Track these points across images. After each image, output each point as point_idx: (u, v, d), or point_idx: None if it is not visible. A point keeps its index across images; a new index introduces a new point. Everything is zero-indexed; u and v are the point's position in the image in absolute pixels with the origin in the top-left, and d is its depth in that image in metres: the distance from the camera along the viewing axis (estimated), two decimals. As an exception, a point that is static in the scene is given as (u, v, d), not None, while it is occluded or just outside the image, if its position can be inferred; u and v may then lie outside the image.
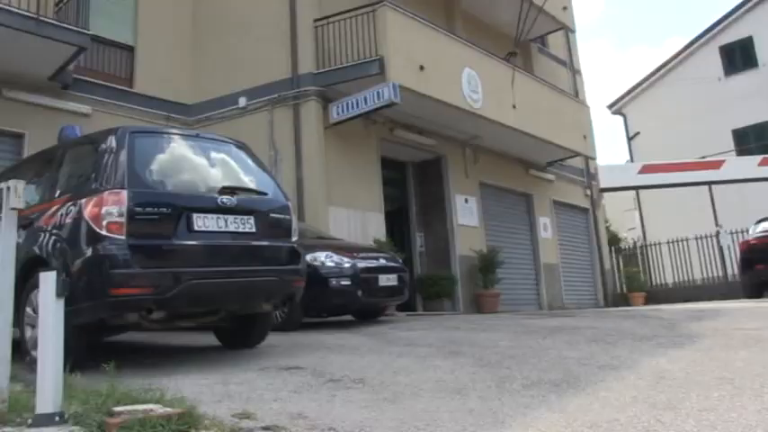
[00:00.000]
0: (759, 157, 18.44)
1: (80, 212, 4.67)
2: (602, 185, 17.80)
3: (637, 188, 21.95)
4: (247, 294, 5.22)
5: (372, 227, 11.76)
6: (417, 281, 13.06)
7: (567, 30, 19.04)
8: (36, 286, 4.02)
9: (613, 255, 19.95)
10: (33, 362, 3.55)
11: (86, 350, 4.80)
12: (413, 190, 14.16)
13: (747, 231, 14.47)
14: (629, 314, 8.56)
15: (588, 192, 19.41)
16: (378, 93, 10.73)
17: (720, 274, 18.14)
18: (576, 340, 5.72)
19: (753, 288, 12.70)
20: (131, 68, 12.09)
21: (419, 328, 7.30)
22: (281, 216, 5.52)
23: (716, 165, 17.73)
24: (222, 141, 5.79)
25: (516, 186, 16.29)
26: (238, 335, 6.01)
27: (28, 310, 4.83)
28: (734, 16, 24.79)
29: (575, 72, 20.36)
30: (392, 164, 13.52)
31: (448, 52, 12.57)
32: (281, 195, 5.72)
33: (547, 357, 4.85)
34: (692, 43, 25.74)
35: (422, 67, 11.49)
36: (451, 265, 13.51)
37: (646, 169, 17.73)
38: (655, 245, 19.88)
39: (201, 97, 12.47)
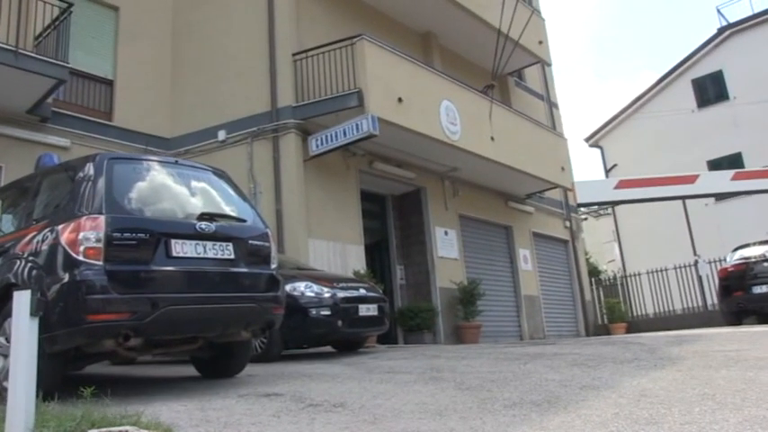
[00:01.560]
0: (732, 172, 18.69)
1: (57, 238, 4.64)
2: (580, 200, 18.07)
3: (613, 203, 22.16)
4: (226, 321, 5.16)
5: (352, 259, 11.72)
6: (398, 313, 13.04)
7: (544, 63, 19.32)
8: (10, 315, 3.90)
9: (594, 286, 20.08)
10: (4, 390, 3.48)
11: (61, 380, 4.70)
12: (393, 222, 14.21)
13: (725, 260, 14.56)
14: (610, 341, 8.59)
15: (567, 223, 19.56)
16: (356, 125, 10.78)
17: (700, 303, 18.24)
18: (558, 365, 5.74)
19: (732, 315, 12.78)
20: (111, 102, 12.13)
21: (399, 357, 7.27)
22: (260, 243, 5.51)
23: (691, 179, 17.87)
24: (201, 168, 5.81)
25: (496, 218, 16.38)
26: (217, 364, 5.94)
27: (1, 339, 4.72)
28: (704, 50, 25.33)
29: (552, 105, 20.67)
30: (372, 196, 13.61)
31: (426, 85, 12.68)
32: (261, 222, 5.72)
33: (528, 380, 4.85)
34: (665, 77, 26.24)
35: (400, 100, 11.60)
36: (432, 297, 13.50)
37: (622, 184, 17.83)
38: (635, 276, 19.96)
39: (181, 131, 12.54)
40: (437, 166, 14.07)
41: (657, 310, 19.08)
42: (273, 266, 5.56)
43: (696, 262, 18.58)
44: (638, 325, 18.02)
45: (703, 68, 25.15)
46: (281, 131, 11.38)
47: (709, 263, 18.15)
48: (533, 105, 19.49)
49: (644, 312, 19.57)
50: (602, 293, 20.08)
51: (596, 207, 29.15)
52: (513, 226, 16.88)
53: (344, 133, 10.91)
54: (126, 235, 4.65)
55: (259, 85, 11.79)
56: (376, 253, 13.61)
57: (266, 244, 5.56)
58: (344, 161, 12.09)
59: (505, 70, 16.27)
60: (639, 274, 19.70)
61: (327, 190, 11.72)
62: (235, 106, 11.97)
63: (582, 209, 23.25)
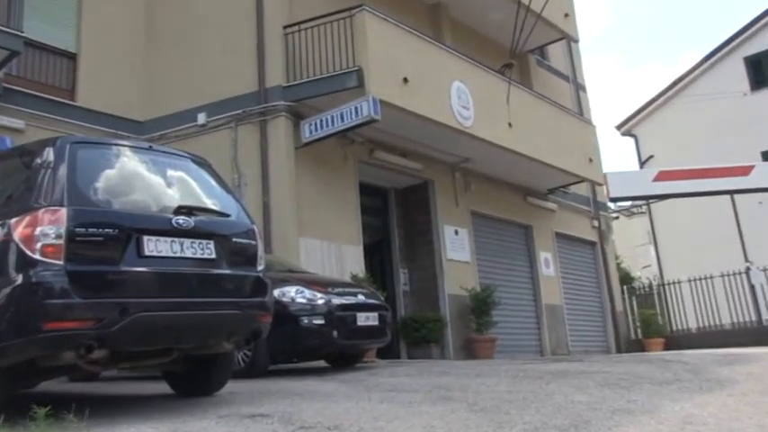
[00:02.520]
0: (793, 163, 18.49)
1: (9, 234, 4.55)
2: (612, 194, 18.09)
3: (651, 198, 21.81)
4: (206, 330, 5.14)
5: (350, 261, 11.78)
6: (401, 323, 13.09)
7: (570, 39, 19.39)
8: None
9: (626, 295, 20.06)
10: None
11: (11, 399, 4.66)
12: (396, 220, 14.27)
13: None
14: (646, 359, 8.56)
15: (595, 223, 19.58)
16: (356, 108, 10.81)
17: (752, 317, 18.01)
18: (585, 385, 5.71)
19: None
20: (73, 78, 12.09)
21: (403, 374, 7.24)
22: (246, 241, 5.52)
23: (744, 170, 17.58)
24: (179, 156, 5.82)
25: (513, 216, 16.41)
26: (194, 380, 5.90)
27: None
28: (760, 23, 24.84)
29: (578, 87, 20.75)
30: (372, 190, 13.70)
31: (435, 63, 12.74)
32: (246, 218, 5.75)
33: (551, 402, 4.82)
34: (711, 54, 25.83)
35: (406, 80, 11.63)
36: (440, 305, 13.57)
37: (662, 176, 17.61)
38: (674, 284, 19.82)
39: (155, 113, 12.58)
40: (447, 156, 14.12)
41: (701, 325, 18.98)
42: (260, 268, 5.56)
43: (748, 269, 18.35)
44: (678, 341, 17.92)
45: (758, 44, 24.69)
46: (269, 115, 11.41)
47: (764, 270, 18.02)
48: (557, 87, 19.45)
49: (685, 326, 19.46)
50: (635, 304, 20.03)
51: (629, 204, 29.14)
52: (533, 225, 16.89)
53: (342, 118, 10.92)
54: (91, 230, 4.61)
55: (245, 62, 11.78)
56: (376, 254, 13.68)
57: (252, 242, 5.57)
58: (341, 149, 12.11)
59: (526, 47, 16.10)
60: (679, 283, 19.53)
61: (322, 182, 11.74)
62: (217, 86, 11.98)
63: (612, 206, 23.24)
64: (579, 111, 19.38)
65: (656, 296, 20.31)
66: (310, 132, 11.22)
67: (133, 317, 4.55)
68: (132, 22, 13.00)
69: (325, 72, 11.27)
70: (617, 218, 28.75)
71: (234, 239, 5.41)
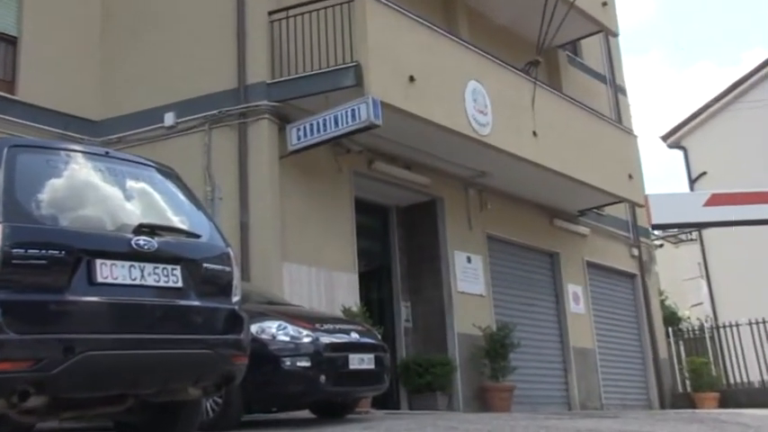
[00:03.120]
0: None
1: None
2: (655, 221, 18.13)
3: (702, 226, 21.78)
4: (168, 372, 5.08)
5: (342, 292, 11.81)
6: (401, 367, 13.03)
7: (608, 33, 19.40)
8: None
9: (672, 339, 19.89)
10: None
11: None
12: (397, 244, 14.25)
13: None
14: (696, 418, 8.48)
15: (635, 251, 19.57)
16: (352, 111, 10.78)
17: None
18: (621, 448, 5.77)
19: None
20: (13, 68, 12.02)
21: (402, 429, 7.13)
22: (219, 267, 5.52)
23: None
24: (141, 164, 5.83)
25: (537, 242, 16.45)
26: (153, 433, 6.11)
27: None
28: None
29: (617, 89, 20.77)
30: (370, 208, 13.69)
31: (447, 60, 12.69)
32: (220, 239, 5.75)
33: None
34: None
35: (412, 79, 11.60)
36: (448, 346, 13.48)
37: (716, 200, 17.46)
38: (731, 327, 19.47)
39: (113, 111, 12.43)
40: (459, 169, 14.21)
41: (765, 378, 18.59)
42: (235, 299, 5.57)
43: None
44: (736, 396, 17.82)
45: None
46: (250, 117, 11.44)
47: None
48: (592, 90, 19.59)
49: (744, 379, 19.15)
50: (683, 349, 19.85)
51: (676, 231, 29.11)
52: (561, 253, 16.97)
53: (336, 122, 10.93)
54: (31, 252, 4.56)
55: (222, 54, 11.79)
56: (374, 284, 13.74)
57: (227, 268, 5.58)
58: (335, 159, 12.18)
59: (555, 42, 16.17)
60: (738, 325, 19.26)
61: (311, 198, 11.77)
62: (188, 81, 11.96)
63: (656, 232, 23.26)
64: (618, 118, 19.42)
65: (708, 341, 20.04)
66: (298, 138, 11.23)
67: (80, 356, 4.48)
68: (87, 3, 12.85)
69: (317, 68, 11.25)
70: (661, 246, 28.69)
71: (205, 265, 5.40)
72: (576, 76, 19.38)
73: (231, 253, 5.70)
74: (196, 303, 5.26)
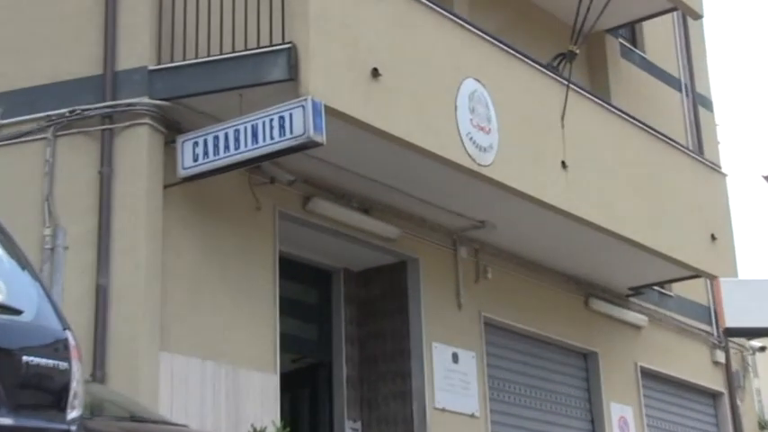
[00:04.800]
0: None
1: None
2: (730, 323, 18.25)
3: None
4: None
5: (254, 402, 11.80)
6: None
7: (688, 13, 19.69)
8: None
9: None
10: None
11: None
12: (344, 329, 14.30)
13: None
14: None
15: (721, 355, 19.70)
16: (281, 120, 10.82)
17: None
18: None
19: None
20: None
21: None
22: (49, 363, 5.45)
23: None
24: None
25: (563, 334, 16.58)
26: None
27: None
28: None
29: (698, 101, 20.78)
30: (304, 271, 13.99)
31: (432, 45, 12.72)
32: (54, 318, 5.69)
33: None
34: None
35: (376, 73, 11.58)
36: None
37: None
38: None
39: None
40: (445, 216, 14.29)
41: None
42: (73, 415, 5.52)
43: None
44: None
45: None
46: (120, 121, 11.37)
47: None
48: (658, 99, 19.72)
49: None
50: None
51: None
52: (601, 352, 17.06)
53: (254, 135, 10.98)
54: None
55: (78, 22, 11.83)
56: (304, 392, 13.97)
57: (61, 365, 5.51)
58: (251, 193, 12.22)
59: (601, 24, 16.44)
60: None
61: (211, 251, 11.74)
62: (21, 62, 11.98)
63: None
64: (698, 145, 19.53)
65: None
66: (195, 158, 11.20)
67: None
68: None
69: (229, 50, 11.17)
70: (762, 349, 29.25)
71: (25, 359, 5.30)
72: (633, 78, 19.52)
73: (71, 339, 5.63)
74: (8, 421, 5.12)
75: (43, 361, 5.42)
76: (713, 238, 17.01)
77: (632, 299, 17.83)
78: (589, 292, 17.05)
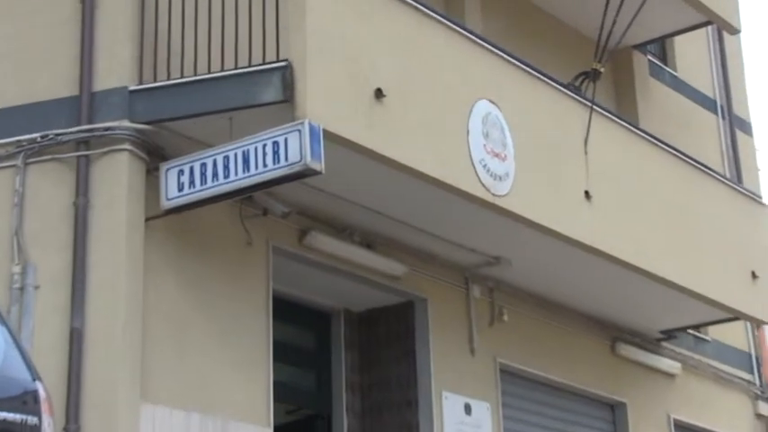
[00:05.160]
0: None
1: None
2: None
3: None
4: None
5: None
6: None
7: (723, 28, 19.75)
8: None
9: None
10: None
11: None
12: (345, 376, 14.22)
13: None
14: None
15: (765, 407, 19.70)
16: (275, 146, 10.80)
17: None
18: None
19: None
20: None
21: None
22: (18, 418, 5.78)
23: None
24: None
25: (588, 383, 16.46)
26: None
27: None
28: None
29: (736, 124, 20.80)
30: (300, 312, 13.87)
31: (442, 63, 12.69)
32: (23, 368, 6.07)
33: None
34: None
35: (380, 94, 11.54)
36: None
37: None
38: None
39: None
40: (457, 251, 14.27)
41: None
42: None
43: None
44: None
45: None
46: (97, 147, 11.34)
47: None
48: (691, 122, 19.69)
49: None
50: None
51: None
52: (630, 403, 16.93)
53: (246, 163, 10.94)
54: None
55: (50, 39, 11.86)
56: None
57: (31, 419, 5.85)
58: (242, 226, 12.18)
59: (628, 40, 16.52)
60: None
61: (197, 290, 11.65)
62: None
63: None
64: (736, 173, 19.47)
65: None
66: (180, 188, 11.17)
67: None
68: None
69: (217, 69, 11.11)
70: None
71: None
72: (664, 99, 19.40)
73: (42, 391, 5.97)
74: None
75: (10, 416, 5.45)
76: (754, 276, 16.76)
77: (664, 344, 17.69)
78: (616, 335, 16.89)
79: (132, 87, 11.45)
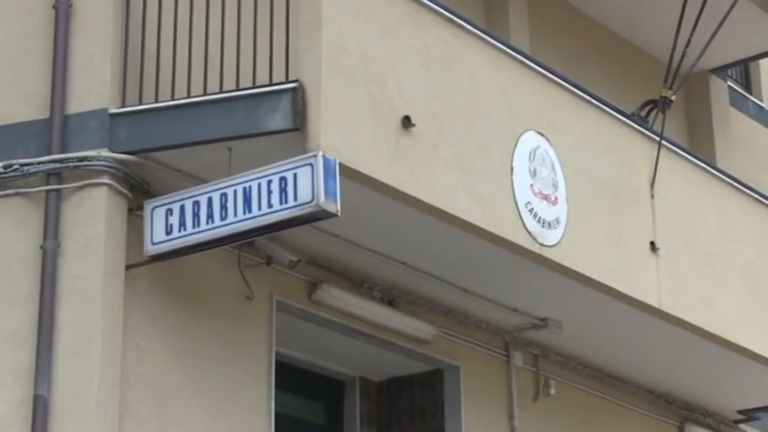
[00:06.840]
0: None
1: None
2: None
3: None
4: None
5: None
6: None
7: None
8: None
9: None
10: None
11: None
12: (362, 456, 12.96)
13: None
14: None
15: None
16: (283, 183, 10.15)
17: None
18: None
19: None
20: None
21: None
22: None
23: None
24: None
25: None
26: None
27: None
28: None
29: None
30: (309, 380, 13.48)
31: (481, 86, 12.03)
32: None
33: None
34: None
35: (408, 122, 10.90)
36: None
37: None
38: None
39: None
40: (496, 311, 13.57)
41: None
42: None
43: None
44: None
45: None
46: (71, 180, 10.81)
47: None
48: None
49: None
50: None
51: None
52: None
53: (248, 202, 10.33)
54: None
55: (17, 52, 11.43)
56: None
57: None
58: (241, 277, 11.52)
59: (704, 63, 15.99)
60: None
61: (187, 353, 11.08)
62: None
63: None
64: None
65: None
66: (168, 231, 10.57)
67: None
68: None
69: (214, 90, 10.56)
70: None
71: None
72: (746, 132, 18.97)
73: None
74: None
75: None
76: None
77: (743, 425, 16.95)
78: (685, 416, 16.33)
79: (113, 110, 11.07)
